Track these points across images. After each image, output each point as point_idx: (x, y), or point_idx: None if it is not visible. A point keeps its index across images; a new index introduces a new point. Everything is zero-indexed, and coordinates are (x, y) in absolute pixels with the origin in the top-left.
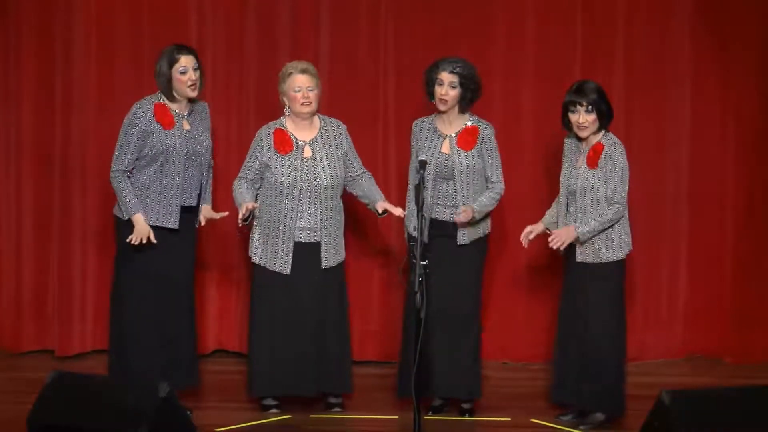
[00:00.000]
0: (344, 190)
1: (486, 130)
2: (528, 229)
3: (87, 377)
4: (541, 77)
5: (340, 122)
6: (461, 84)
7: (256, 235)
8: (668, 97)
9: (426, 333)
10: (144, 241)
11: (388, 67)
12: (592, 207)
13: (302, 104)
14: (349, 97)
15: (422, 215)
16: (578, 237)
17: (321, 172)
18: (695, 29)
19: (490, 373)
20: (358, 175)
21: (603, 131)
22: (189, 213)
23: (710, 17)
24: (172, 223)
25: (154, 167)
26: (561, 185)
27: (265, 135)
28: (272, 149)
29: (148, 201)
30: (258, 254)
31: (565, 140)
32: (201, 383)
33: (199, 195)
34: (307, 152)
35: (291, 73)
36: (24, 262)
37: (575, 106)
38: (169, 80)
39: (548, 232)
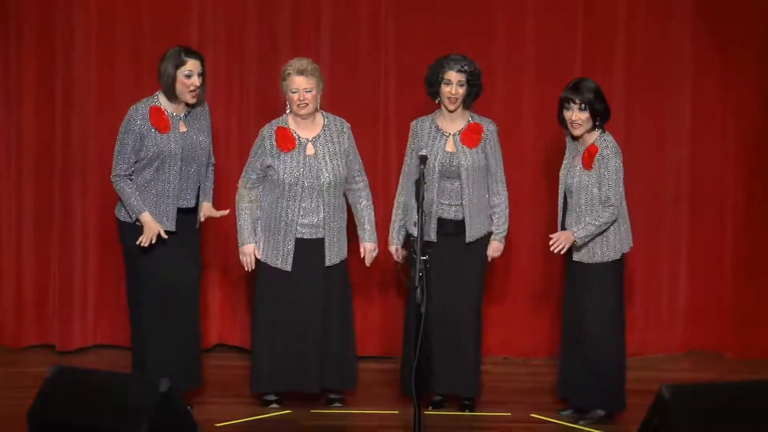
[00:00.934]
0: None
1: (489, 127)
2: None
3: (87, 372)
4: (542, 77)
5: (344, 121)
6: (468, 81)
7: (258, 232)
8: (668, 97)
9: (428, 329)
10: (154, 240)
11: (388, 67)
12: (587, 207)
13: (298, 106)
14: (350, 96)
15: (422, 211)
16: (575, 241)
17: (323, 170)
18: (695, 29)
19: (491, 368)
20: (356, 182)
21: (599, 131)
22: (188, 215)
23: (710, 17)
24: (169, 225)
25: (151, 170)
26: (560, 182)
27: (267, 133)
28: (274, 147)
29: (149, 205)
30: (261, 251)
31: (567, 137)
32: (203, 383)
33: (198, 197)
34: (310, 150)
35: (289, 74)
36: (25, 258)
37: (569, 103)
38: (173, 81)
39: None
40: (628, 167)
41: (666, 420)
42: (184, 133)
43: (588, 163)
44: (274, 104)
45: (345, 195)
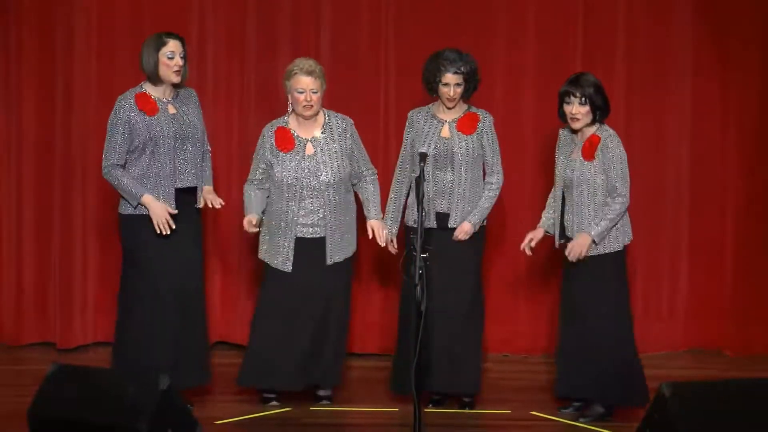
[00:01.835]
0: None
1: (486, 117)
2: (529, 236)
3: (88, 370)
4: (542, 75)
5: (347, 117)
6: (465, 80)
7: (262, 232)
8: (669, 93)
9: (426, 326)
10: (166, 222)
11: (388, 64)
12: (589, 199)
13: (304, 107)
14: (350, 93)
15: (422, 208)
16: (594, 240)
17: (323, 169)
18: (695, 27)
19: (491, 365)
20: (363, 176)
21: (598, 124)
22: (188, 194)
23: (710, 15)
24: (170, 207)
25: (146, 156)
26: (556, 177)
27: (267, 134)
28: (274, 147)
29: (148, 189)
30: (263, 251)
31: (560, 131)
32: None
33: (197, 177)
34: (309, 149)
35: (296, 74)
36: (25, 256)
37: (569, 97)
38: (156, 64)
39: (548, 234)
40: (629, 164)
41: (666, 417)
42: (173, 114)
43: (589, 153)
44: (275, 101)
45: (354, 190)
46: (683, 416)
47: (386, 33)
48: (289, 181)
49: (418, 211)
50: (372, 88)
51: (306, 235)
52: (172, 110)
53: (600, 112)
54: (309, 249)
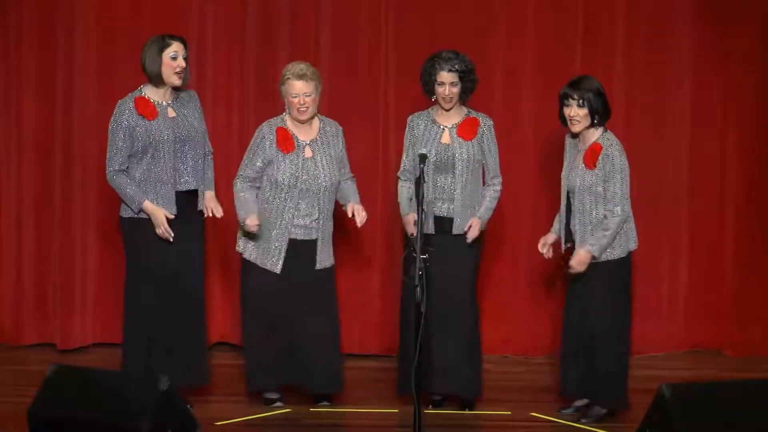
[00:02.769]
0: None
1: (486, 121)
2: (542, 241)
3: (88, 370)
4: (542, 75)
5: (338, 124)
6: (461, 79)
7: (241, 230)
8: (668, 92)
9: (426, 328)
10: (166, 225)
11: (388, 66)
12: (591, 206)
13: (299, 110)
14: (349, 95)
15: (422, 209)
16: (594, 257)
17: (321, 173)
18: (696, 24)
19: (491, 366)
20: (344, 180)
21: (602, 130)
22: (189, 196)
23: (710, 14)
24: (171, 210)
25: (146, 159)
26: (562, 184)
27: (267, 132)
28: (275, 147)
29: (149, 194)
30: (249, 251)
31: (566, 138)
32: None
33: (198, 179)
34: (308, 152)
35: (288, 79)
36: (25, 255)
37: (568, 99)
38: (159, 65)
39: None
40: (629, 167)
41: (666, 419)
42: (173, 117)
43: (591, 161)
44: (274, 102)
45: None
46: (683, 417)
47: (386, 35)
48: (288, 182)
49: (418, 212)
50: (371, 90)
51: (298, 237)
52: (171, 113)
53: (599, 116)
54: (300, 251)
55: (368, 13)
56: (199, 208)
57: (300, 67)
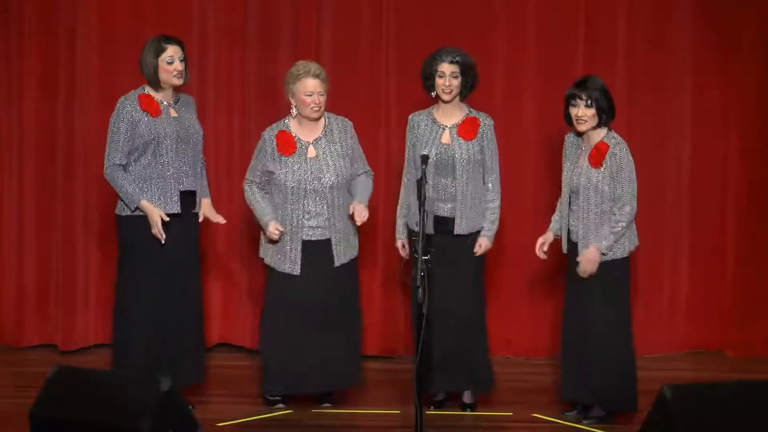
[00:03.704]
0: None
1: (486, 121)
2: (540, 241)
3: (89, 371)
4: (543, 74)
5: (346, 119)
6: (462, 72)
7: (264, 235)
8: (669, 92)
9: (430, 328)
10: (160, 226)
11: (389, 64)
12: (594, 205)
13: (312, 109)
14: (351, 94)
15: (424, 210)
16: (603, 254)
17: (326, 171)
18: (696, 24)
19: (493, 367)
20: (358, 175)
21: (606, 130)
22: (188, 196)
23: (711, 13)
24: (175, 207)
25: (147, 156)
26: (563, 183)
27: (268, 138)
28: (276, 152)
29: (149, 191)
30: (269, 255)
31: (566, 137)
32: (206, 379)
33: (196, 181)
34: (311, 152)
35: (303, 77)
36: (26, 256)
37: (575, 100)
38: (156, 69)
39: (558, 237)
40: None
41: (667, 419)
42: (175, 117)
43: (597, 161)
44: (275, 103)
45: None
46: (684, 418)
47: (387, 35)
48: (293, 185)
49: (419, 213)
50: (372, 89)
51: (312, 238)
52: (173, 113)
53: (606, 116)
54: (316, 251)
55: (369, 13)
56: (194, 211)
57: (314, 66)
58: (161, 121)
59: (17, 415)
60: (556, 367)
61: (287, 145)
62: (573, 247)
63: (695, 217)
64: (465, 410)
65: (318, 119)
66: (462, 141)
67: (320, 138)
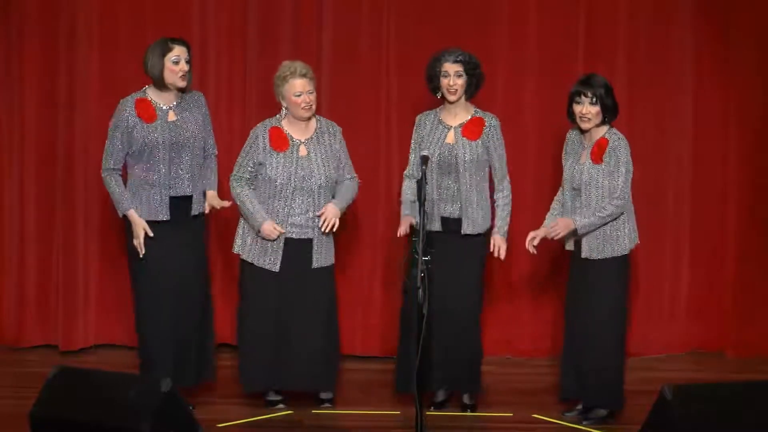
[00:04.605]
0: None
1: (492, 122)
2: (531, 234)
3: (89, 372)
4: (544, 73)
5: (335, 124)
6: (466, 72)
7: (242, 230)
8: (670, 91)
9: (429, 328)
10: (141, 239)
11: (390, 63)
12: (598, 202)
13: (304, 108)
14: (351, 95)
15: (424, 211)
16: (576, 230)
17: (315, 171)
18: (697, 22)
19: (493, 368)
20: (343, 180)
21: (607, 127)
22: (183, 202)
23: (711, 14)
24: (163, 215)
25: (142, 162)
26: (564, 180)
27: (261, 132)
28: (268, 146)
29: (142, 197)
30: (246, 250)
31: (568, 134)
32: (216, 378)
33: (197, 185)
34: (303, 151)
35: (290, 78)
36: (27, 257)
37: (580, 97)
38: (162, 70)
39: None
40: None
41: (668, 420)
42: (172, 122)
43: (598, 156)
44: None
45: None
46: (684, 418)
47: (387, 34)
48: (282, 181)
49: (419, 213)
50: (373, 88)
51: (294, 236)
52: (171, 117)
53: (609, 114)
54: (296, 250)
55: (369, 13)
56: (193, 213)
57: (300, 65)
58: (154, 128)
59: (17, 415)
60: (557, 368)
61: (280, 140)
62: (578, 243)
63: (696, 216)
64: (465, 411)
65: (310, 118)
66: (466, 141)
67: (311, 138)
